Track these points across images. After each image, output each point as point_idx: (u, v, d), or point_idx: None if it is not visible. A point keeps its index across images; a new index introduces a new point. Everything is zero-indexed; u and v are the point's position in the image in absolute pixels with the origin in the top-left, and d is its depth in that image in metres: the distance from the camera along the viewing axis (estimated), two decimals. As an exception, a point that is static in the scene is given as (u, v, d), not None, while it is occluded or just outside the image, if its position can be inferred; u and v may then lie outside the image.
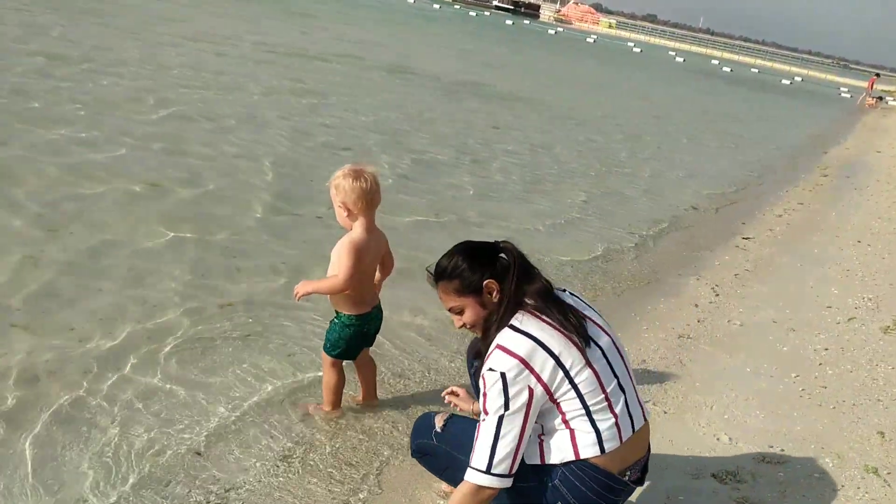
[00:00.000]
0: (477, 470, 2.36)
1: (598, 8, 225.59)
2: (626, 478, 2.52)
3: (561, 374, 2.37)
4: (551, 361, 2.36)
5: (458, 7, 77.31)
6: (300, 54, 16.53)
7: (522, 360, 2.35)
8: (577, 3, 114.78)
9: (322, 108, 11.10)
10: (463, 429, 2.64)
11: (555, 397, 2.39)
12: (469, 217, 7.15)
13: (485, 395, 2.36)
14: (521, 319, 2.43)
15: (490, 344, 2.45)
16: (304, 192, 6.87)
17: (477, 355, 2.65)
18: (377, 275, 3.44)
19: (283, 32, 20.44)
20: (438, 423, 2.74)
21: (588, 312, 2.56)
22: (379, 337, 3.59)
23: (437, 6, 68.21)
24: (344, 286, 3.16)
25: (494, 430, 2.34)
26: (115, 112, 8.37)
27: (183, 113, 8.93)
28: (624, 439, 2.45)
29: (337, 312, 3.34)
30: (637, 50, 62.14)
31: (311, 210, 6.41)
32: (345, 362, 3.49)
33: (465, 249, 2.59)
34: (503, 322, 2.45)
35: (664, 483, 3.25)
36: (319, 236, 5.64)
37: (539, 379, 2.35)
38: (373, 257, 3.28)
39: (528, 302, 2.47)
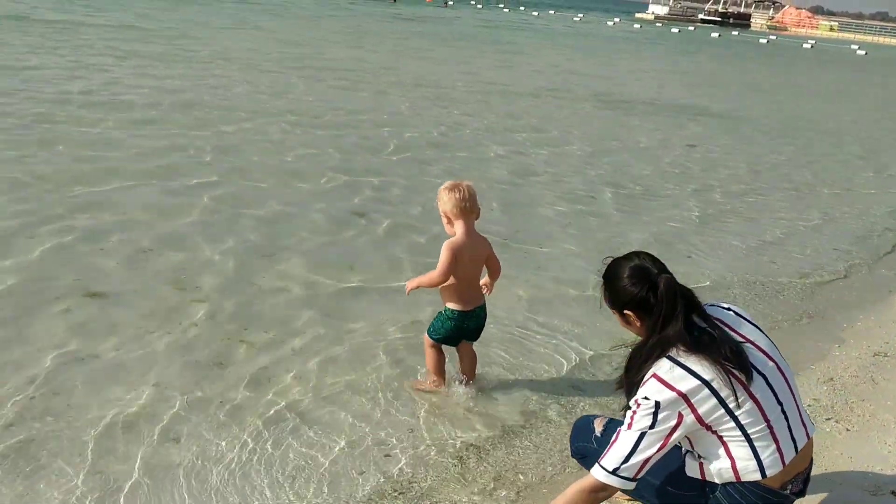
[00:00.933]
0: (604, 469, 2.46)
1: (819, 11, 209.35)
2: (788, 490, 2.52)
3: (721, 410, 2.39)
4: (713, 399, 2.38)
5: (659, 25, 75.47)
6: (512, 91, 16.57)
7: (681, 395, 2.39)
8: (797, 8, 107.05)
9: (541, 142, 11.10)
10: None
11: (712, 428, 2.42)
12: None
13: (634, 412, 2.45)
14: (679, 352, 2.44)
15: (644, 372, 2.49)
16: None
17: (624, 385, 2.64)
18: (485, 277, 3.84)
19: (491, 68, 20.68)
20: (598, 427, 2.88)
21: (747, 330, 2.56)
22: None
23: (637, 26, 67.13)
24: (439, 279, 3.60)
25: (634, 442, 2.43)
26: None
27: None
28: (786, 463, 2.45)
29: (445, 306, 3.76)
30: (861, 52, 56.96)
31: (537, 241, 6.70)
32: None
33: (630, 267, 2.61)
34: (649, 358, 2.49)
35: (839, 498, 3.20)
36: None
37: (694, 411, 2.39)
38: (471, 258, 3.66)
39: (683, 336, 2.46)
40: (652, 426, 2.40)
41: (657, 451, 2.42)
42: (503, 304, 4.96)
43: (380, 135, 10.35)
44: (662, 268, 2.60)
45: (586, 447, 2.90)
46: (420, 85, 15.57)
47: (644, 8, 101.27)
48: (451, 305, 3.74)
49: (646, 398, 2.42)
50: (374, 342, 4.48)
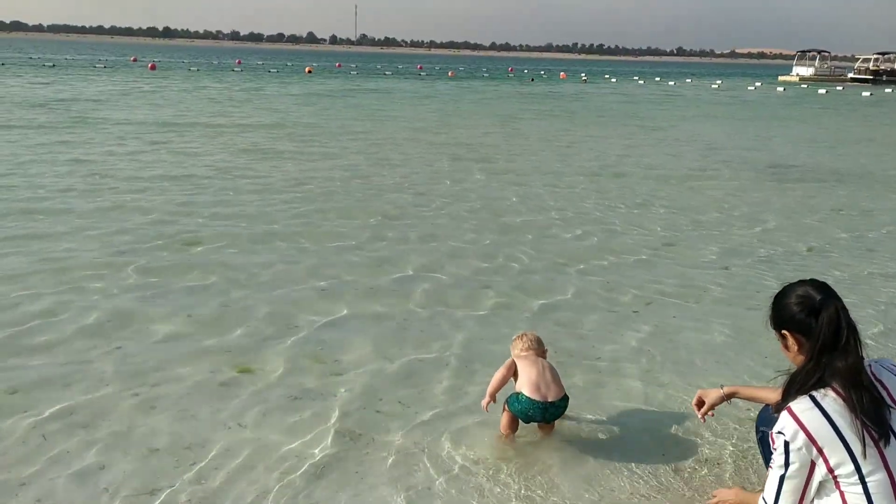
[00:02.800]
0: (766, 502, 2.58)
1: None
2: None
3: (851, 467, 2.37)
4: (843, 452, 2.38)
5: (805, 86, 73.17)
6: (674, 174, 16.68)
7: (812, 439, 2.40)
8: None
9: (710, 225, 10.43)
10: None
11: (838, 481, 2.41)
12: None
13: (774, 448, 2.52)
14: (825, 394, 2.45)
15: (784, 402, 2.53)
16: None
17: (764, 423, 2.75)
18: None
19: (654, 150, 19.50)
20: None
21: None
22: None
23: (780, 89, 65.43)
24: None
25: (777, 485, 2.51)
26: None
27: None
28: None
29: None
30: None
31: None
32: None
33: (800, 289, 2.64)
34: (803, 386, 2.50)
35: None
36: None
37: (825, 460, 2.39)
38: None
39: (836, 376, 2.46)
40: (785, 469, 2.45)
41: (799, 495, 2.47)
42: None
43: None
44: (832, 295, 2.60)
45: (766, 433, 3.05)
46: (599, 174, 14.35)
47: (785, 70, 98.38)
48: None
49: (779, 433, 2.47)
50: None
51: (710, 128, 26.35)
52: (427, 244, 8.87)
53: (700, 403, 3.62)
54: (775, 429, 2.47)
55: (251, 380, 5.15)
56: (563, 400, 4.28)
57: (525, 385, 4.23)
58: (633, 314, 6.66)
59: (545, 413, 4.25)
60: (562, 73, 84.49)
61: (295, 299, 6.80)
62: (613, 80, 75.81)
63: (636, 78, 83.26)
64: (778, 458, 2.46)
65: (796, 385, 2.52)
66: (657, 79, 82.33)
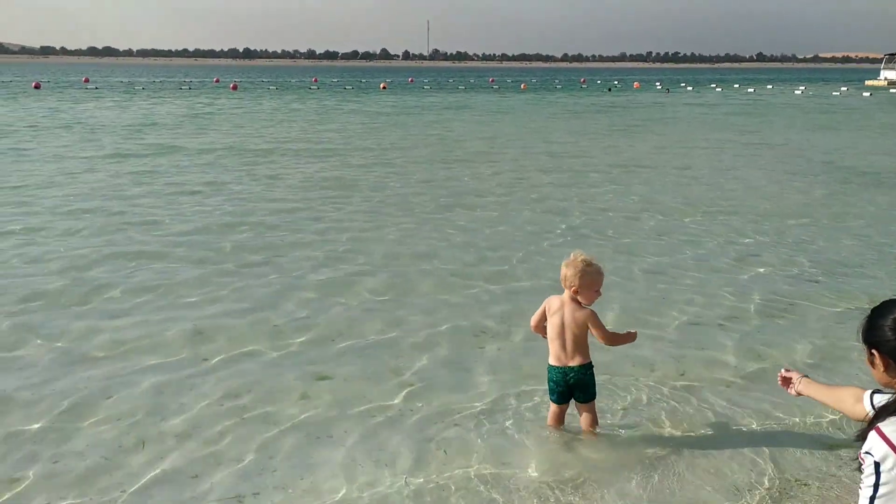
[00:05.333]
0: None
1: None
2: None
3: None
4: None
5: (894, 91, 69.99)
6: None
7: None
8: None
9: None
10: None
11: None
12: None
13: (862, 467, 2.49)
14: None
15: (874, 423, 2.52)
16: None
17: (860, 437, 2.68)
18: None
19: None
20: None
21: None
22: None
23: (867, 94, 62.81)
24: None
25: None
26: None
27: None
28: None
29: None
30: None
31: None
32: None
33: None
34: (891, 407, 2.51)
35: None
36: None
37: None
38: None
39: None
40: (875, 491, 2.43)
41: None
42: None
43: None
44: None
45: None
46: (711, 211, 11.78)
47: (872, 74, 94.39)
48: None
49: (868, 453, 2.46)
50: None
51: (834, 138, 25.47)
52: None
53: (786, 382, 3.64)
54: (864, 448, 2.47)
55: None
56: (583, 367, 4.40)
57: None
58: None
59: (566, 377, 4.41)
60: (636, 83, 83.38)
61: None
62: (690, 88, 74.33)
63: (714, 85, 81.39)
64: (868, 478, 2.44)
65: (890, 410, 2.52)
66: (735, 85, 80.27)
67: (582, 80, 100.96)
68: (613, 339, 4.50)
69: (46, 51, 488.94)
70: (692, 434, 4.69)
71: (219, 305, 7.18)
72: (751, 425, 4.81)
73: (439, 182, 14.58)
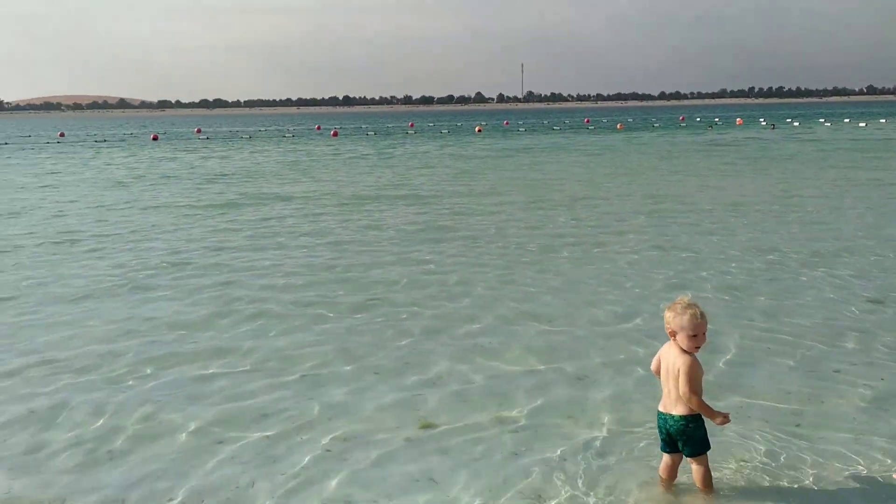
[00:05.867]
0: None
1: None
2: None
3: None
4: None
5: None
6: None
7: None
8: None
9: None
10: None
11: None
12: None
13: None
14: None
15: None
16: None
17: None
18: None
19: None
20: None
21: None
22: None
23: None
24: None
25: None
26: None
27: None
28: None
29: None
30: None
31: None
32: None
33: None
34: None
35: None
36: None
37: None
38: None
39: None
40: None
41: None
42: None
43: None
44: None
45: None
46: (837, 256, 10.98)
47: None
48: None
49: None
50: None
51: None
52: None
53: None
54: None
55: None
56: (684, 419, 4.23)
57: None
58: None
59: (665, 423, 4.30)
60: (738, 120, 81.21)
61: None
62: (796, 123, 71.72)
63: (822, 120, 78.21)
64: None
65: None
66: (846, 120, 76.73)
67: (681, 117, 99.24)
68: (694, 401, 4.17)
69: (163, 104, 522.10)
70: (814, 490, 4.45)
71: (328, 348, 7.40)
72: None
73: (537, 225, 14.59)
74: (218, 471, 4.89)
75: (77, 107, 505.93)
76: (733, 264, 10.56)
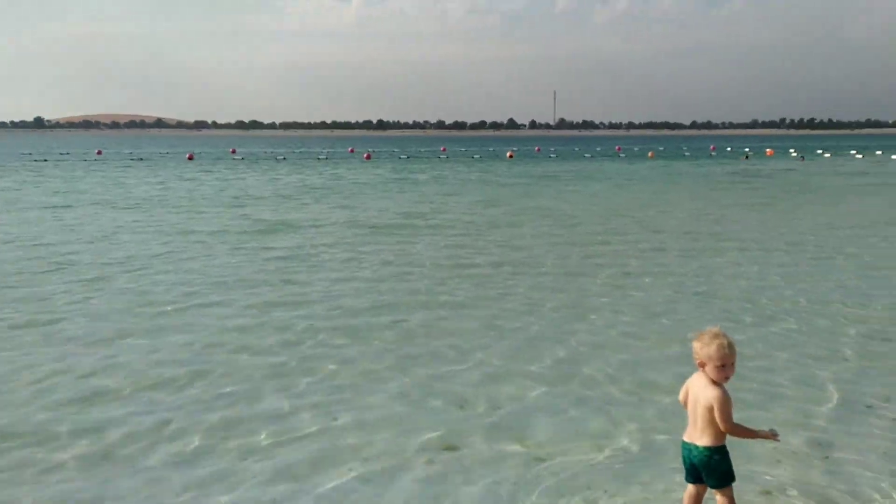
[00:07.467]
0: None
1: None
2: None
3: None
4: None
5: None
6: None
7: None
8: None
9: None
10: None
11: None
12: None
13: None
14: None
15: None
16: None
17: None
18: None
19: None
20: None
21: None
22: None
23: None
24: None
25: None
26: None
27: None
28: None
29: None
30: None
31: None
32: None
33: None
34: None
35: None
36: None
37: None
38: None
39: None
40: None
41: None
42: None
43: None
44: None
45: None
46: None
47: None
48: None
49: None
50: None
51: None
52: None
53: None
54: None
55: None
56: (708, 450, 4.16)
57: None
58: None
59: (690, 454, 4.26)
60: (768, 150, 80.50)
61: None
62: (827, 155, 70.74)
63: (853, 152, 77.04)
64: None
65: None
66: (878, 152, 75.11)
67: (711, 147, 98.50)
68: (737, 430, 4.12)
69: (200, 125, 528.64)
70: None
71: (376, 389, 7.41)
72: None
73: (568, 255, 14.62)
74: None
75: (115, 125, 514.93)
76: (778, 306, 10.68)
